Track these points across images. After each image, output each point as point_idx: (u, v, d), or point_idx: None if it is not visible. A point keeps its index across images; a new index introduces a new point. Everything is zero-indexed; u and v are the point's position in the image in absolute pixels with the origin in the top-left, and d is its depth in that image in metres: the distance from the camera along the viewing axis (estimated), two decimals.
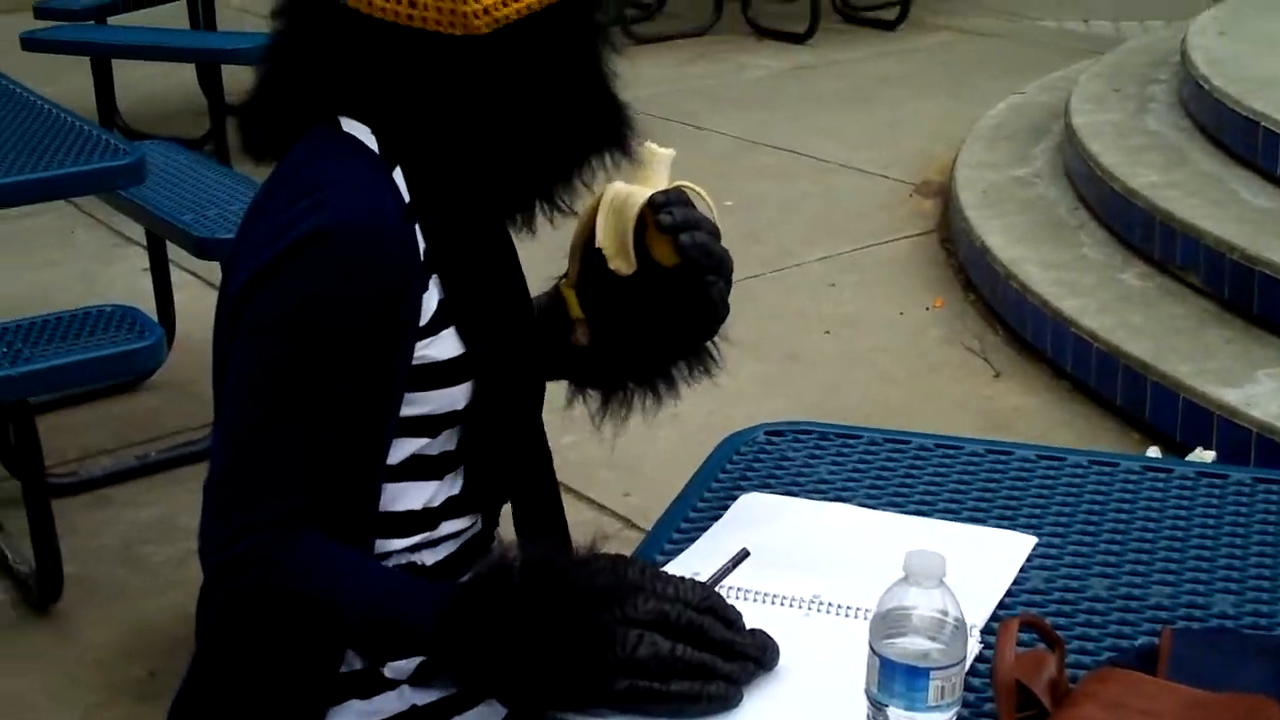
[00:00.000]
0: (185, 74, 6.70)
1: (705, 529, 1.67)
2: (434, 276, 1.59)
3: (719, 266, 1.65)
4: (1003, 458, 1.85)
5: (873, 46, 7.59)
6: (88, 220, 5.41)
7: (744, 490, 1.76)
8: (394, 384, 1.58)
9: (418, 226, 1.57)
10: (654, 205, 1.62)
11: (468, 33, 1.52)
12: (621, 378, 1.78)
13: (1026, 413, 3.92)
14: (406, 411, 1.60)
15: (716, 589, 1.46)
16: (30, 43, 6.07)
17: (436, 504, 1.68)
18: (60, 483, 3.49)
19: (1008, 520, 1.70)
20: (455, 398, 1.63)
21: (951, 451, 1.86)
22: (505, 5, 1.52)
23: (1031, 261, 4.41)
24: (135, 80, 6.63)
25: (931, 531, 1.65)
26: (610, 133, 1.64)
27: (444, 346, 1.61)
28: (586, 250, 1.67)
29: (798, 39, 7.64)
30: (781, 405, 3.75)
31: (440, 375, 1.61)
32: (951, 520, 1.69)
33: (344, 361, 1.53)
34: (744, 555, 1.56)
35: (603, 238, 1.63)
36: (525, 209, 1.65)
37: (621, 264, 1.64)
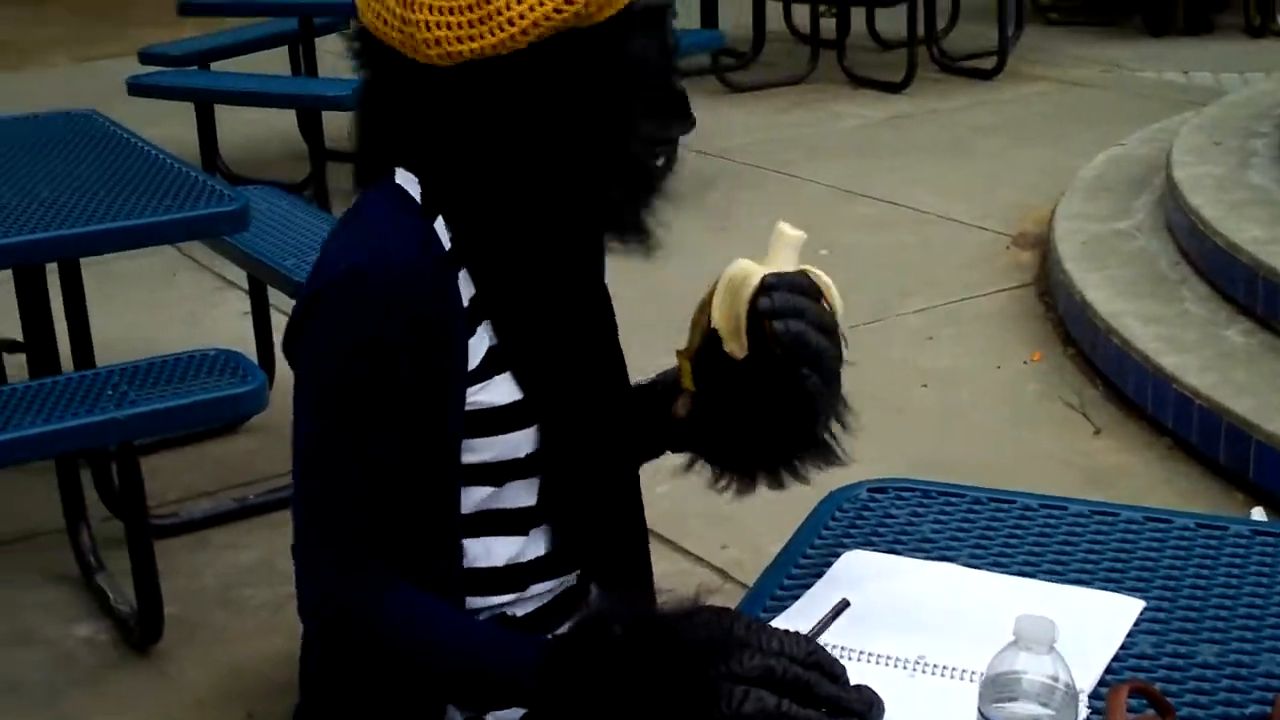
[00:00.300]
0: (285, 119, 6.80)
1: (808, 586, 1.66)
2: (485, 323, 1.61)
3: (815, 359, 1.57)
4: (1108, 519, 1.83)
5: (970, 96, 7.56)
6: (190, 263, 5.48)
7: (846, 548, 1.75)
8: (449, 430, 1.59)
9: (464, 273, 1.60)
10: (762, 288, 1.57)
11: (424, 61, 1.53)
12: (732, 457, 1.75)
13: (1127, 471, 3.87)
14: (469, 459, 1.62)
15: (821, 644, 1.45)
16: (136, 87, 6.20)
17: (523, 560, 1.68)
18: (161, 524, 3.53)
19: (1114, 583, 1.68)
20: (516, 444, 1.64)
21: (1056, 512, 1.84)
22: (461, 43, 1.51)
23: (1132, 316, 4.36)
24: (236, 125, 6.72)
25: (1037, 593, 1.64)
26: (624, 182, 1.62)
27: (498, 392, 1.62)
28: (708, 325, 1.63)
29: (894, 88, 7.62)
30: (878, 458, 3.70)
31: (498, 421, 1.62)
32: (1057, 582, 1.67)
33: (384, 404, 1.55)
34: (844, 605, 1.55)
35: (717, 317, 1.60)
36: (570, 251, 1.66)
37: (734, 346, 1.59)
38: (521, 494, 1.67)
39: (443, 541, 1.62)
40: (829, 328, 1.58)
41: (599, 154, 1.58)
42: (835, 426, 1.67)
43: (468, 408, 1.60)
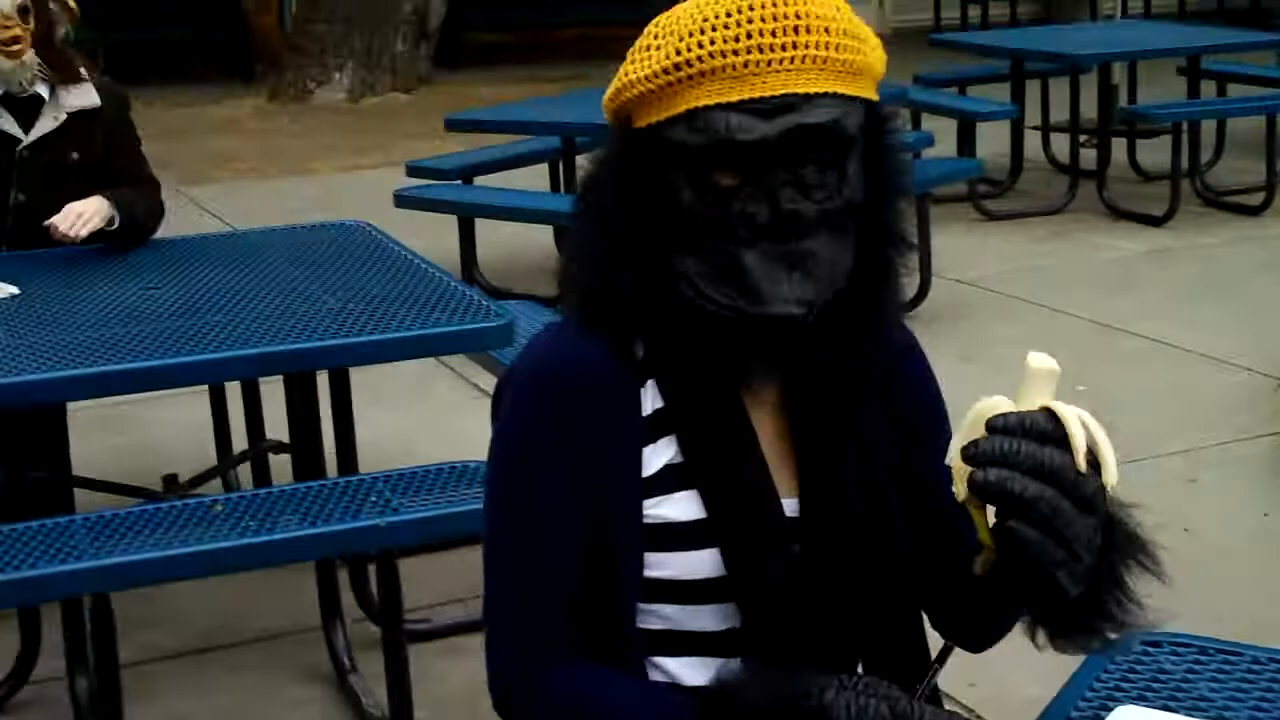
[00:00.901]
0: (541, 233, 6.95)
1: None
2: (670, 436, 1.62)
3: (1021, 509, 1.41)
4: None
5: (1235, 231, 7.38)
6: (447, 372, 5.61)
7: (1119, 702, 1.70)
8: (624, 539, 1.61)
9: (652, 384, 1.62)
10: (987, 431, 1.44)
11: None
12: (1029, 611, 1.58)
13: None
14: (651, 573, 1.63)
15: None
16: (403, 199, 6.40)
17: None
18: (414, 629, 3.59)
19: None
20: (696, 564, 1.62)
21: None
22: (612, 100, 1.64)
23: None
24: (494, 236, 6.88)
25: None
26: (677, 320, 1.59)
27: (680, 508, 1.62)
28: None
29: (1155, 221, 7.48)
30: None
31: (677, 538, 1.62)
32: None
33: (542, 499, 1.60)
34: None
35: (951, 456, 1.49)
36: (747, 371, 1.62)
37: (959, 488, 1.47)
38: (711, 618, 1.65)
39: (621, 651, 1.64)
40: (1053, 471, 1.41)
41: (645, 272, 1.60)
42: (1124, 581, 1.52)
43: (646, 520, 1.61)
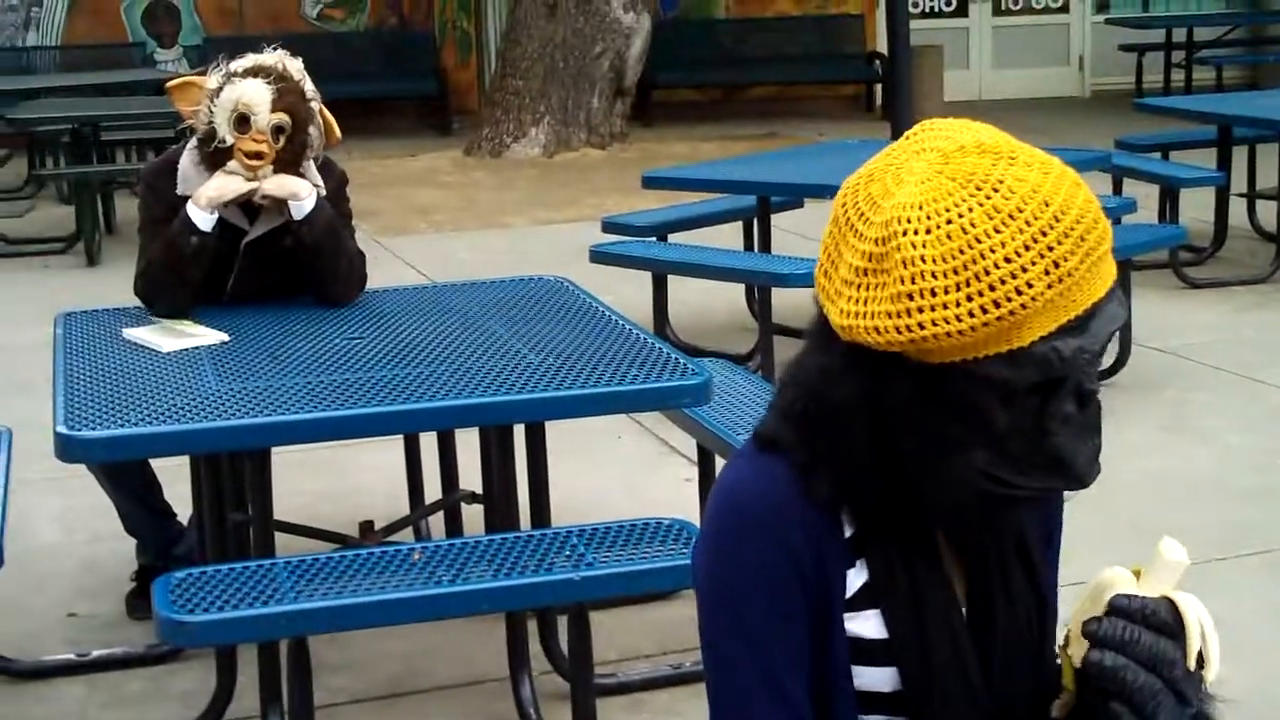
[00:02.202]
0: (733, 290, 6.96)
1: None
2: (861, 559, 1.64)
3: (1128, 697, 1.51)
4: None
5: None
6: (635, 427, 5.63)
7: None
8: (832, 654, 1.62)
9: (846, 509, 1.63)
10: (1109, 609, 1.54)
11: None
12: None
13: None
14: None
15: None
16: (598, 255, 6.45)
17: None
18: (601, 684, 3.59)
19: None
20: (877, 679, 1.64)
21: None
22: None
23: None
24: (685, 292, 6.90)
25: None
26: (967, 508, 1.59)
27: (868, 626, 1.63)
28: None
29: None
30: None
31: (863, 653, 1.64)
32: None
33: (752, 620, 1.60)
34: None
35: (1071, 621, 1.58)
36: (946, 522, 1.64)
37: (1076, 652, 1.56)
38: None
39: None
40: (1166, 663, 1.51)
41: (931, 478, 1.58)
42: None
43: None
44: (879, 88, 14.47)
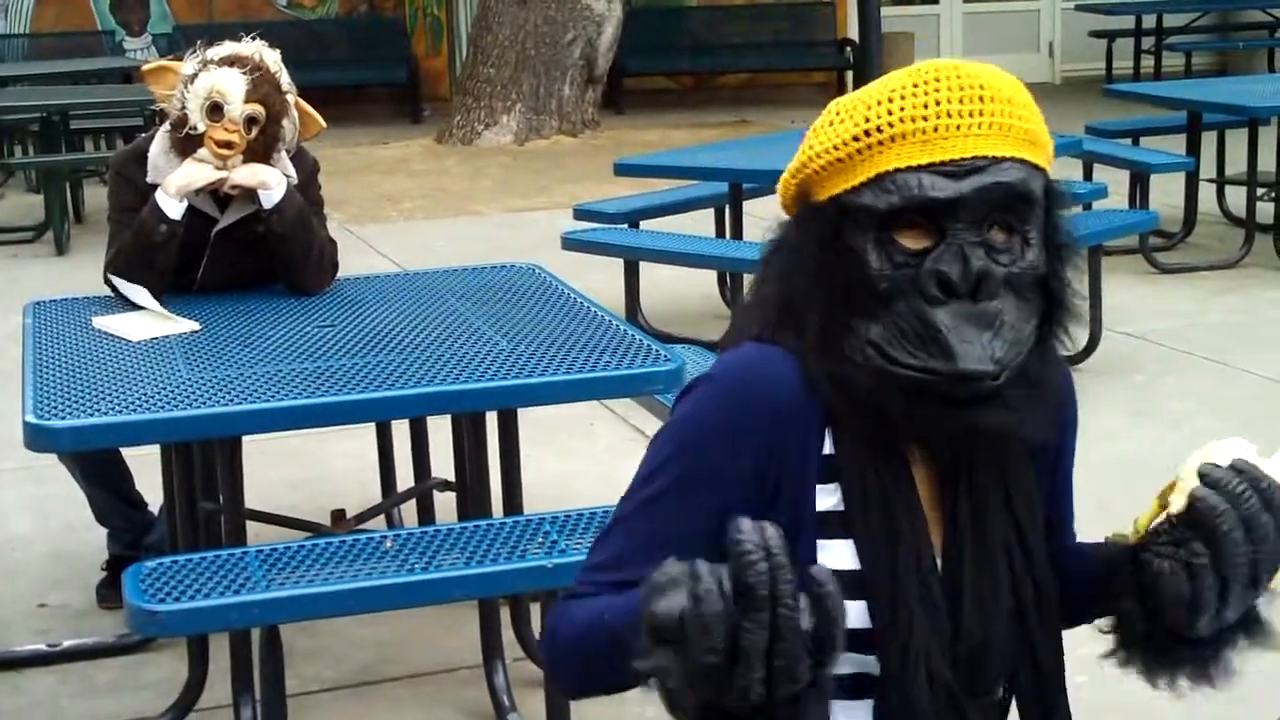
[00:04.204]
0: (704, 278, 6.95)
1: None
2: (835, 484, 1.64)
3: (1222, 551, 1.53)
4: None
5: None
6: (607, 414, 5.63)
7: None
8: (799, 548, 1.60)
9: (830, 431, 1.64)
10: (1230, 466, 1.55)
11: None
12: (1153, 643, 1.66)
13: None
14: None
15: None
16: (570, 242, 6.45)
17: None
18: None
19: None
20: (849, 615, 1.60)
21: None
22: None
23: None
24: (657, 280, 6.89)
25: None
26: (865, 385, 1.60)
27: (835, 556, 1.63)
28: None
29: None
30: None
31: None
32: None
33: (699, 491, 1.61)
34: None
35: (1184, 473, 1.59)
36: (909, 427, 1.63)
37: (1177, 497, 1.57)
38: (849, 665, 1.65)
39: None
40: (1259, 533, 1.53)
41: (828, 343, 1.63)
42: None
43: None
44: (850, 75, 14.48)
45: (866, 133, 1.59)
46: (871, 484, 1.63)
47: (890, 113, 1.59)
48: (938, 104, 1.58)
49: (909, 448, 1.67)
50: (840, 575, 1.58)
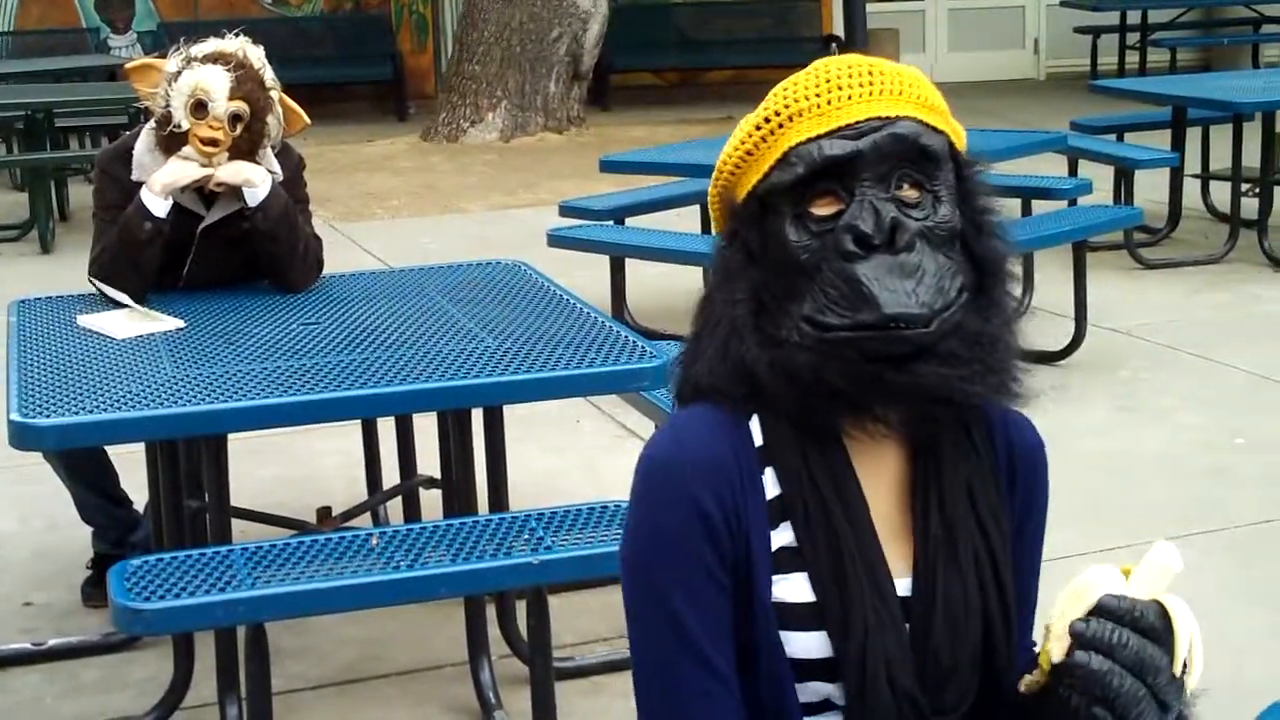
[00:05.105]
0: (691, 274, 6.94)
1: None
2: (787, 521, 1.65)
3: (1109, 701, 1.51)
4: None
5: None
6: (593, 410, 5.63)
7: None
8: (763, 617, 1.63)
9: (771, 470, 1.66)
10: (1096, 609, 1.53)
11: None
12: None
13: None
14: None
15: None
16: (556, 239, 6.45)
17: None
18: (559, 667, 3.59)
19: None
20: (809, 645, 1.65)
21: None
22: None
23: None
24: (643, 276, 6.89)
25: None
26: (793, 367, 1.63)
27: (794, 590, 1.64)
28: None
29: None
30: None
31: (792, 618, 1.65)
32: None
33: (668, 587, 1.62)
34: None
35: (1053, 616, 1.57)
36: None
37: (1054, 648, 1.55)
38: (815, 695, 1.67)
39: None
40: (1152, 669, 1.51)
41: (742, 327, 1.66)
42: None
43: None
44: None
45: (766, 120, 1.67)
46: (817, 517, 1.64)
47: (785, 98, 1.67)
48: (828, 80, 1.65)
49: (865, 471, 1.68)
50: (798, 607, 1.64)
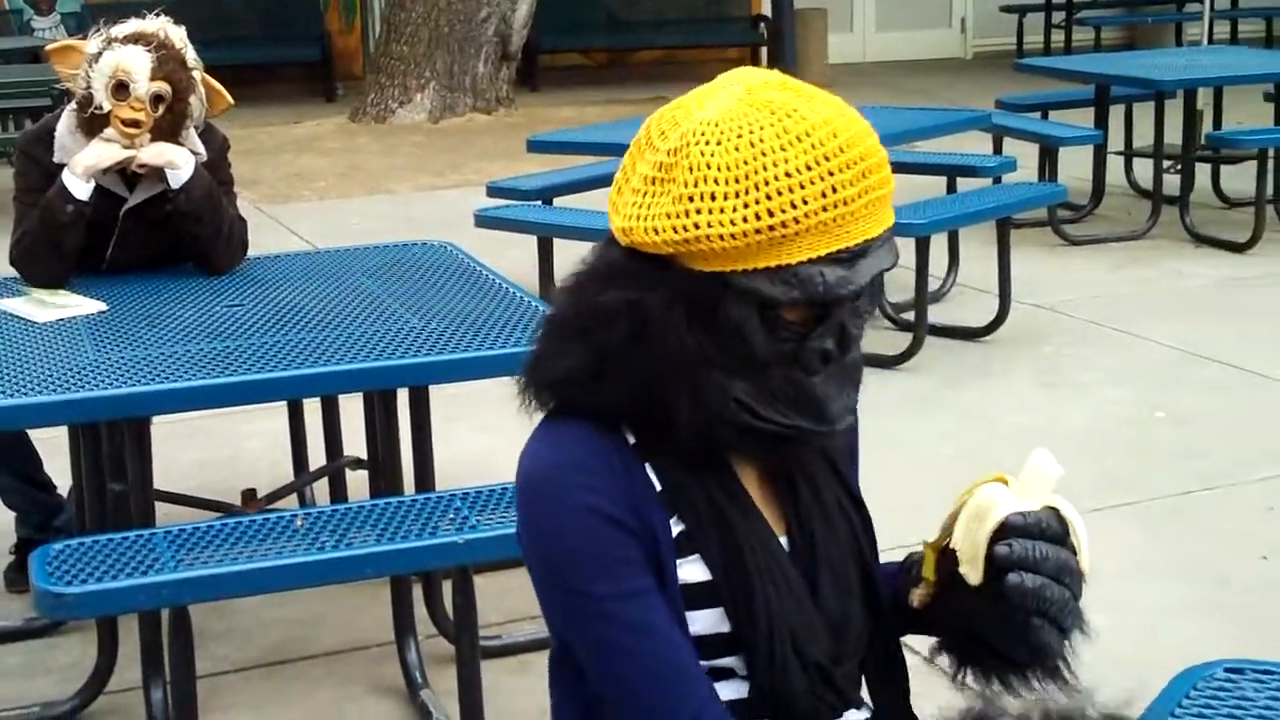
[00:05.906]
0: None
1: None
2: (676, 514, 1.68)
3: (1049, 611, 1.60)
4: None
5: None
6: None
7: None
8: (675, 605, 1.67)
9: (649, 466, 1.67)
10: (1005, 527, 1.61)
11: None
12: (967, 657, 1.76)
13: None
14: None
15: None
16: (483, 220, 6.44)
17: None
18: (485, 646, 3.59)
19: None
20: (710, 622, 1.68)
21: None
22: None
23: None
24: (571, 257, 6.86)
25: None
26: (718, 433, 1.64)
27: (693, 571, 1.68)
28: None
29: (1238, 248, 7.41)
30: (1210, 631, 3.58)
31: (693, 598, 1.68)
32: None
33: (600, 590, 1.63)
34: None
35: (958, 540, 1.64)
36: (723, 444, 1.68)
37: (970, 572, 1.63)
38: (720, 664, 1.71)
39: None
40: (1070, 572, 1.61)
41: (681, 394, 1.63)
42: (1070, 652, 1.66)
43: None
44: (764, 51, 14.52)
45: (771, 227, 1.55)
46: (704, 505, 1.68)
47: (795, 205, 1.55)
48: (835, 190, 1.56)
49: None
50: (699, 587, 1.68)
